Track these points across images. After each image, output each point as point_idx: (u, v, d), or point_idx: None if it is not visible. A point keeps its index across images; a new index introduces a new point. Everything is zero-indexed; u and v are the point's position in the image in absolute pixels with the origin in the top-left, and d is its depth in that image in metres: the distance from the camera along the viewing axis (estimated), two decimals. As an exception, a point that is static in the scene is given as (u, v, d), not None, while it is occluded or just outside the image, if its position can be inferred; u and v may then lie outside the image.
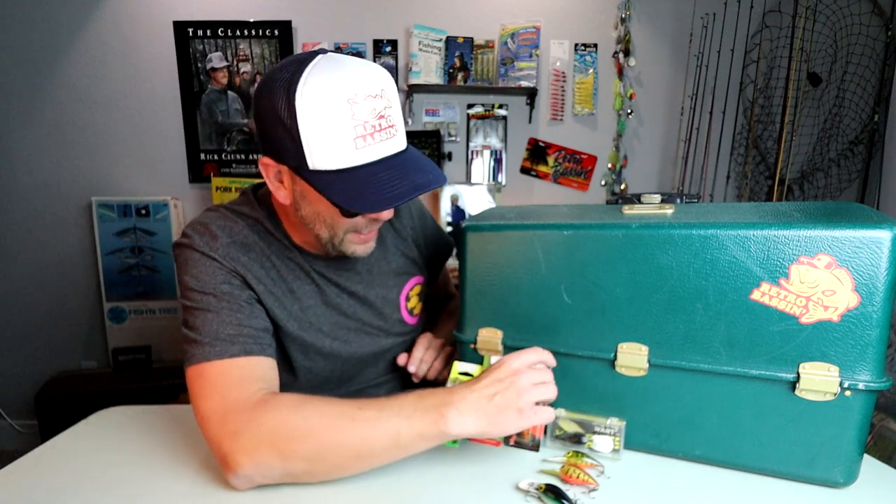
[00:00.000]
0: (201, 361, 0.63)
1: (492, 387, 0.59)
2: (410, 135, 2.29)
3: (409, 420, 0.57)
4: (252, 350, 0.65)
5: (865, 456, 0.60)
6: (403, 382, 0.88)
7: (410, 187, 0.62)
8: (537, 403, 0.60)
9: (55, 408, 2.02)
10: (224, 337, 0.65)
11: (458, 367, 0.75)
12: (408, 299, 0.87)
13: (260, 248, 0.73)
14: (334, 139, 0.59)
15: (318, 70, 0.60)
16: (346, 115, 0.59)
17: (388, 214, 0.70)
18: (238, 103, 2.27)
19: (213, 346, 0.64)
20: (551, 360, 0.65)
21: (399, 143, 0.65)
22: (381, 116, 0.62)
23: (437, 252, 0.96)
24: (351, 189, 0.61)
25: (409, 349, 0.85)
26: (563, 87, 2.33)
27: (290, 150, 0.62)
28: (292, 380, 0.79)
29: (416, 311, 0.89)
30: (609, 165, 2.37)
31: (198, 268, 0.68)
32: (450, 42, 2.23)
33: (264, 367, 0.67)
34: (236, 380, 0.63)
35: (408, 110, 2.30)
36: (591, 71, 2.32)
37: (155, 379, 2.13)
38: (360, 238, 0.72)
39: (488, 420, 0.57)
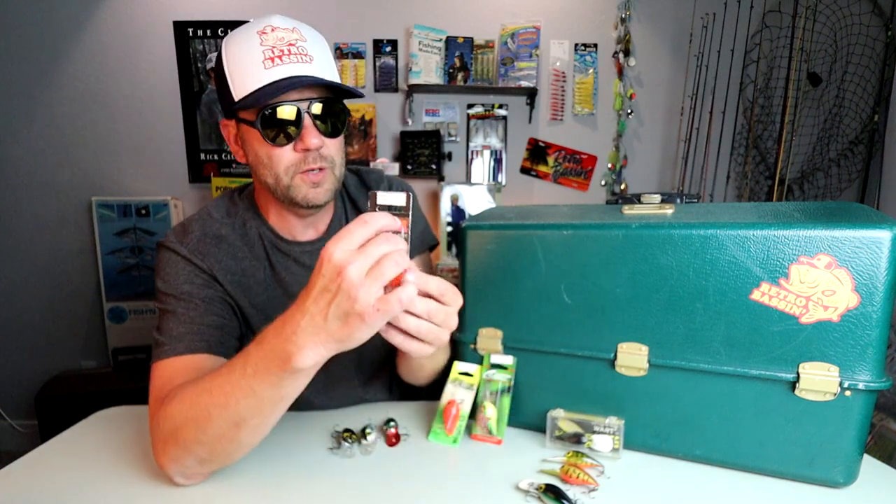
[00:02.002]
0: (155, 360, 0.66)
1: (321, 299, 0.47)
2: (410, 135, 2.29)
3: (256, 376, 0.52)
4: (196, 347, 0.67)
5: (865, 456, 0.60)
6: (394, 378, 0.88)
7: (308, 81, 0.65)
8: (388, 286, 0.47)
9: (55, 408, 2.02)
10: (175, 335, 0.67)
11: (458, 367, 0.75)
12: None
13: (232, 240, 0.76)
14: (246, 64, 0.66)
15: (243, 25, 0.70)
16: (255, 43, 0.66)
17: (317, 142, 0.67)
18: (238, 103, 2.28)
19: (165, 346, 0.66)
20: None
21: (316, 70, 0.67)
22: (292, 44, 0.67)
23: (421, 242, 0.94)
24: (255, 96, 0.65)
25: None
26: (563, 87, 2.33)
27: (225, 95, 0.68)
28: None
29: None
30: (609, 165, 2.37)
31: (166, 269, 0.72)
32: (450, 42, 2.23)
33: (209, 364, 0.66)
34: (175, 376, 0.64)
35: (408, 110, 2.29)
36: (591, 71, 2.32)
37: (155, 379, 2.13)
38: (305, 178, 0.70)
39: (335, 340, 0.48)
